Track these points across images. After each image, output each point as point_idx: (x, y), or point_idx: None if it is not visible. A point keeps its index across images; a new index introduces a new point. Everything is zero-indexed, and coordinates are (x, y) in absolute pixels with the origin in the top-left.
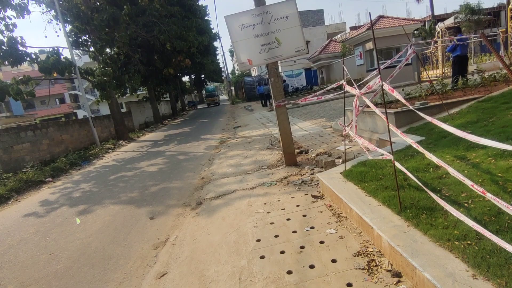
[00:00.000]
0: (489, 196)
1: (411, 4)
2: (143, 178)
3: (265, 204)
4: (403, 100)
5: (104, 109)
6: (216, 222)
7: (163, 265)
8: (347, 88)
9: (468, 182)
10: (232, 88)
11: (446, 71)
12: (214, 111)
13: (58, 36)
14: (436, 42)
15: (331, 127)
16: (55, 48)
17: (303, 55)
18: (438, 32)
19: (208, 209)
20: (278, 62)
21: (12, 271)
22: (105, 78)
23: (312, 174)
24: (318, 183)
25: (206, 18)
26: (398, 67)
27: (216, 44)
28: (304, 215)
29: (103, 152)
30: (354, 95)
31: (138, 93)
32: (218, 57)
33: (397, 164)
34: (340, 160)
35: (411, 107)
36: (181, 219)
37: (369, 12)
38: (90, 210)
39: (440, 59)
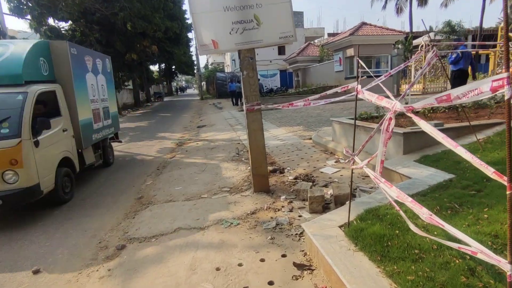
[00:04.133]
0: None
1: (388, 17)
2: None
3: (217, 270)
4: None
5: None
6: None
7: None
8: (365, 95)
9: None
10: (203, 83)
11: (427, 86)
12: (179, 105)
13: None
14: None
15: (310, 138)
16: None
17: (290, 43)
18: (423, 46)
19: (128, 265)
20: (255, 50)
21: None
22: None
23: (291, 210)
24: (301, 233)
25: (183, 7)
26: (419, 73)
27: (190, 35)
28: None
29: None
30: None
31: None
32: (192, 49)
33: None
34: (329, 193)
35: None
36: (81, 281)
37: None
38: None
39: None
